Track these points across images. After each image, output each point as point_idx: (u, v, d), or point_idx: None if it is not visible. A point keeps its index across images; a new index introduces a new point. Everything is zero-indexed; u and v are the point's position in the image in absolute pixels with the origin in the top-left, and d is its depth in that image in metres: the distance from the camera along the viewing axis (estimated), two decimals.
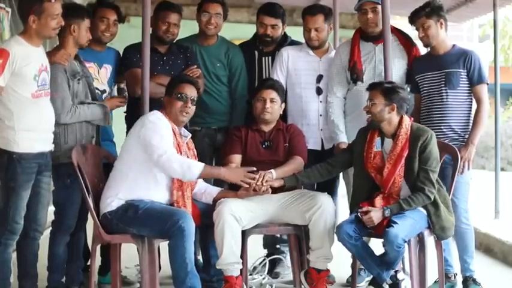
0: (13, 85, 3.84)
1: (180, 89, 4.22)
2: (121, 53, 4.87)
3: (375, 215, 4.02)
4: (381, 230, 4.02)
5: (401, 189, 4.16)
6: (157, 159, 3.99)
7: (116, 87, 4.49)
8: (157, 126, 4.07)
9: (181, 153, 4.12)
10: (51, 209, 4.34)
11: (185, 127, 4.40)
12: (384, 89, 4.17)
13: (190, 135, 4.33)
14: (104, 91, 4.65)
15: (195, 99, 4.27)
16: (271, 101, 4.51)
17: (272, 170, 4.32)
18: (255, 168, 4.24)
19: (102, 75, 4.66)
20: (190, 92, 4.24)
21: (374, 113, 4.16)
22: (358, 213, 4.06)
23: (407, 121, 4.19)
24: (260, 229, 4.43)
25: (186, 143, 4.26)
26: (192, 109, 4.25)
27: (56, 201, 4.34)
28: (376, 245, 4.39)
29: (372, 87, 4.24)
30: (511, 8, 9.67)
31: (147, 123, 4.09)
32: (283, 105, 4.62)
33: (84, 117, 4.25)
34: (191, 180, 4.11)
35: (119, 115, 4.87)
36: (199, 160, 4.43)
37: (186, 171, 4.00)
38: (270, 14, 4.98)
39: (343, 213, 4.51)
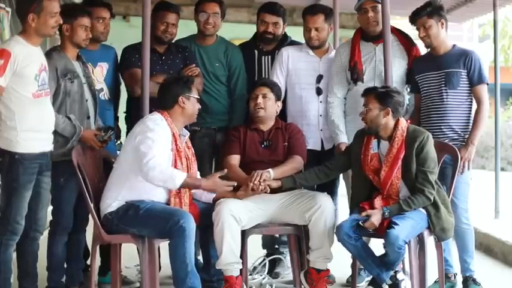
0: (14, 85, 3.84)
1: (195, 88, 4.25)
2: (120, 53, 4.87)
3: (375, 218, 4.02)
4: (382, 230, 4.02)
5: (400, 190, 4.16)
6: (142, 165, 3.92)
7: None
8: (153, 131, 4.00)
9: (180, 156, 4.10)
10: (51, 208, 4.35)
11: (185, 127, 4.39)
12: (377, 94, 4.17)
13: (189, 133, 4.31)
14: (101, 90, 4.63)
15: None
16: (264, 96, 4.50)
17: (270, 170, 4.31)
18: (225, 171, 4.17)
19: (97, 74, 4.64)
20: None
21: (370, 118, 4.16)
22: (360, 222, 4.05)
23: (403, 123, 4.18)
24: (260, 229, 4.43)
25: (185, 141, 4.25)
26: None
27: (52, 201, 4.34)
28: (377, 245, 4.40)
29: (366, 93, 4.23)
30: (511, 8, 9.66)
31: (144, 127, 4.04)
32: (279, 103, 4.60)
33: (55, 126, 4.12)
34: (172, 188, 4.02)
35: (119, 115, 4.88)
36: (198, 160, 4.44)
37: (167, 179, 3.92)
38: (271, 11, 5.00)
39: (343, 213, 4.51)
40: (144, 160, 3.92)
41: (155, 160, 3.92)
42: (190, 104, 4.19)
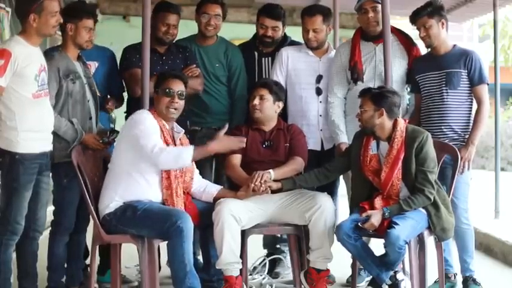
0: (14, 85, 3.85)
1: (165, 84, 4.20)
2: (118, 53, 4.87)
3: (375, 218, 4.02)
4: (382, 230, 4.02)
5: (400, 191, 4.16)
6: (149, 156, 3.97)
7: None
8: (143, 124, 4.04)
9: None
10: (51, 208, 4.35)
11: (185, 127, 4.39)
12: (372, 95, 4.17)
13: (183, 131, 4.31)
14: None
15: (183, 93, 4.23)
16: (261, 97, 4.48)
17: (270, 170, 4.31)
18: (244, 139, 4.22)
19: None
20: (177, 86, 4.20)
21: (364, 119, 4.16)
22: (359, 224, 4.05)
23: (401, 124, 4.18)
24: (260, 229, 4.43)
25: (179, 138, 4.24)
26: (180, 104, 4.21)
27: (54, 202, 4.34)
28: (377, 245, 4.40)
29: (362, 94, 4.23)
30: (511, 8, 9.65)
31: (133, 123, 4.08)
32: (280, 104, 4.58)
33: (56, 129, 4.14)
34: (185, 166, 4.09)
35: (119, 115, 4.88)
36: (199, 160, 4.43)
37: (178, 159, 3.99)
38: (271, 15, 4.98)
39: (343, 213, 4.51)
40: (148, 151, 3.96)
41: (159, 146, 3.96)
42: (158, 101, 4.18)
